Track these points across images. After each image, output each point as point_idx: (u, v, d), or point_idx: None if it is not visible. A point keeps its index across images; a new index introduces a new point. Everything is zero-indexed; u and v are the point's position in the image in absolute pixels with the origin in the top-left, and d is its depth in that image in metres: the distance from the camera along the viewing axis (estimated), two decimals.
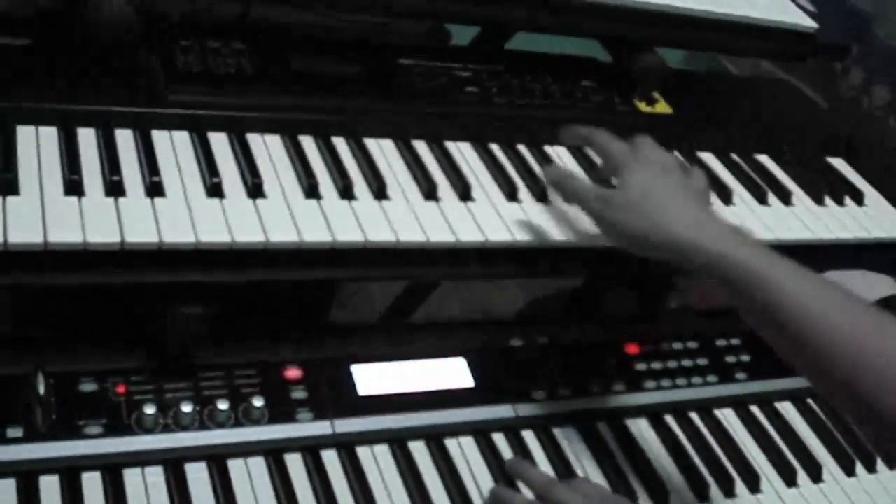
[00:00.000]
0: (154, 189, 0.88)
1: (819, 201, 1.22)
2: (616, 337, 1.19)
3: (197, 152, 0.95)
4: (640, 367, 1.16)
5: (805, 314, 0.82)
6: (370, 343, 1.08)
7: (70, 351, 0.95)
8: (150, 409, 0.90)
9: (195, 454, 0.90)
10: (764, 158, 1.30)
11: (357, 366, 1.03)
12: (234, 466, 0.91)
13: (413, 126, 1.09)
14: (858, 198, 1.26)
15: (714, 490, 1.05)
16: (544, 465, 1.02)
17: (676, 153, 1.23)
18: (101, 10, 0.96)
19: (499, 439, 1.03)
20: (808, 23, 1.33)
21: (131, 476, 0.87)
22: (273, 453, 0.93)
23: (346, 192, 0.96)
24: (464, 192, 1.01)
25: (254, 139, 0.99)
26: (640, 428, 1.10)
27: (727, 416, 1.16)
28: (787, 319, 0.83)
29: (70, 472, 0.86)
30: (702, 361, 1.20)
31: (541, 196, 1.05)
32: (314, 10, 1.23)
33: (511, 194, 1.04)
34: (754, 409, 1.18)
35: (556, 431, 1.06)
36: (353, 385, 1.01)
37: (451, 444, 1.00)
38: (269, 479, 0.91)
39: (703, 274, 0.90)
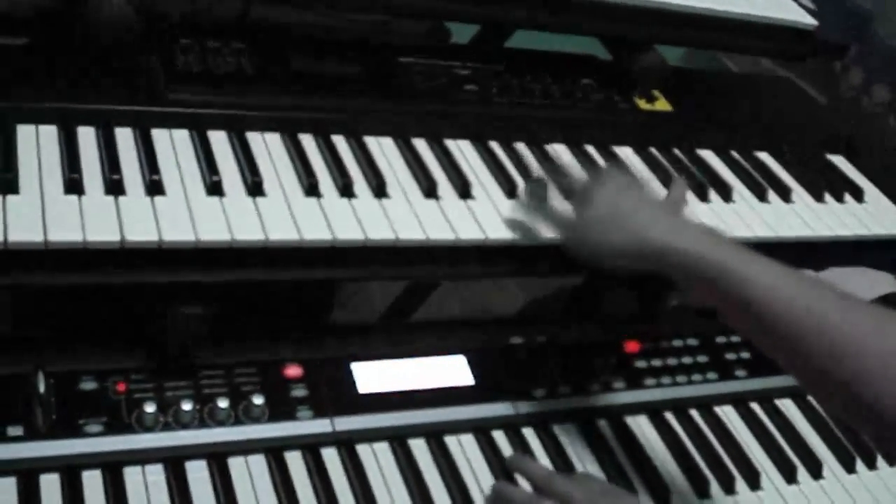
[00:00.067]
0: (154, 188, 0.89)
1: (819, 199, 1.22)
2: (616, 335, 1.19)
3: (197, 151, 0.95)
4: (641, 364, 1.16)
5: (797, 314, 0.81)
6: (370, 341, 1.08)
7: (70, 350, 0.95)
8: (150, 408, 0.91)
9: (195, 452, 0.91)
10: (764, 156, 1.30)
11: (357, 364, 1.03)
12: (235, 464, 0.91)
13: (413, 124, 1.09)
14: (858, 195, 1.26)
15: (714, 487, 1.05)
16: (544, 463, 1.01)
17: (676, 151, 1.23)
18: (101, 9, 0.96)
19: (499, 437, 1.03)
20: (808, 21, 1.33)
21: (132, 474, 0.88)
22: (273, 451, 0.93)
23: (346, 190, 0.96)
24: (463, 191, 1.02)
25: (254, 138, 1.00)
26: (641, 425, 1.10)
27: (727, 414, 1.16)
28: (776, 320, 0.82)
29: (70, 470, 0.86)
30: (702, 359, 1.20)
31: None
32: (314, 10, 1.23)
33: (511, 192, 1.04)
34: (754, 406, 1.18)
35: (556, 429, 1.06)
36: (353, 383, 1.01)
37: (451, 441, 1.01)
38: (270, 477, 0.91)
39: (682, 277, 0.90)
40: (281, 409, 0.96)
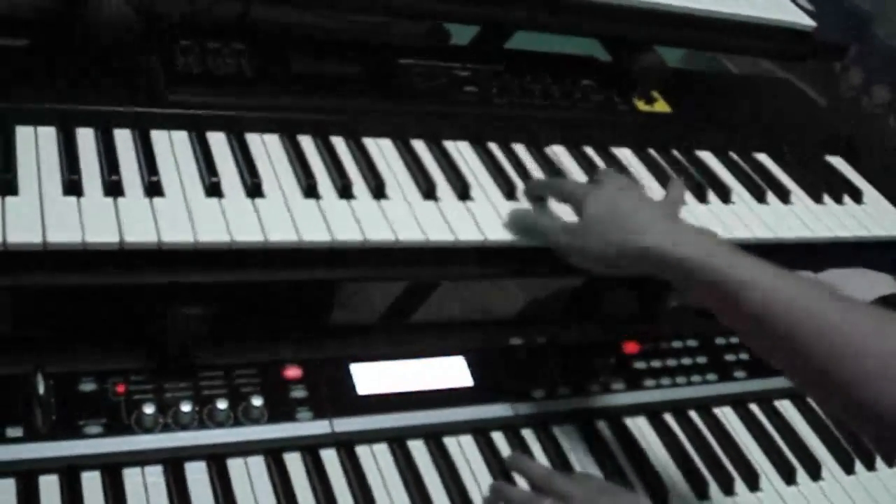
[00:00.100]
0: (153, 189, 0.89)
1: (818, 200, 1.22)
2: (615, 335, 1.19)
3: (196, 152, 0.95)
4: (640, 365, 1.16)
5: (797, 316, 0.81)
6: (369, 342, 1.08)
7: (70, 351, 0.95)
8: (149, 409, 0.91)
9: (195, 453, 0.91)
10: (763, 157, 1.30)
11: (356, 365, 1.03)
12: (234, 466, 0.91)
13: (412, 126, 1.09)
14: (857, 196, 1.26)
15: (713, 489, 1.05)
16: (544, 464, 1.01)
17: (675, 152, 1.23)
18: (100, 10, 0.96)
19: (498, 438, 1.03)
20: (807, 22, 1.33)
21: (131, 475, 0.88)
22: (272, 452, 0.93)
23: (345, 191, 0.96)
24: (463, 192, 1.02)
25: (253, 139, 1.00)
26: (640, 427, 1.10)
27: (726, 415, 1.16)
28: (775, 322, 0.82)
29: (70, 471, 0.86)
30: (701, 360, 1.20)
31: None
32: (314, 11, 1.23)
33: (510, 194, 1.04)
34: (753, 407, 1.18)
35: (556, 430, 1.06)
36: (353, 384, 1.01)
37: (450, 442, 1.01)
38: (269, 478, 0.91)
39: (680, 281, 0.90)
40: (280, 410, 0.96)
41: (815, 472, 1.12)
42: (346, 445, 0.96)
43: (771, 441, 1.14)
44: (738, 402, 1.18)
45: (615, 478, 1.02)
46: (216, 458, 0.91)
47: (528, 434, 1.05)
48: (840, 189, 1.26)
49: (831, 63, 2.19)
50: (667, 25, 1.24)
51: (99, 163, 0.90)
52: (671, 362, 1.18)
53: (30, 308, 1.17)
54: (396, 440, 0.99)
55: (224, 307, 0.94)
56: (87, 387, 0.92)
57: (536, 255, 1.02)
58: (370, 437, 0.98)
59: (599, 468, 1.03)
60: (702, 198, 1.15)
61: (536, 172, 1.10)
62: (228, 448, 0.92)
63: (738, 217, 1.14)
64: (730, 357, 1.22)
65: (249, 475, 0.91)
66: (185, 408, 0.91)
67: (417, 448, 0.99)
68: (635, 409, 1.12)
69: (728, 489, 1.06)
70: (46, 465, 0.86)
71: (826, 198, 1.23)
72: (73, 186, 0.86)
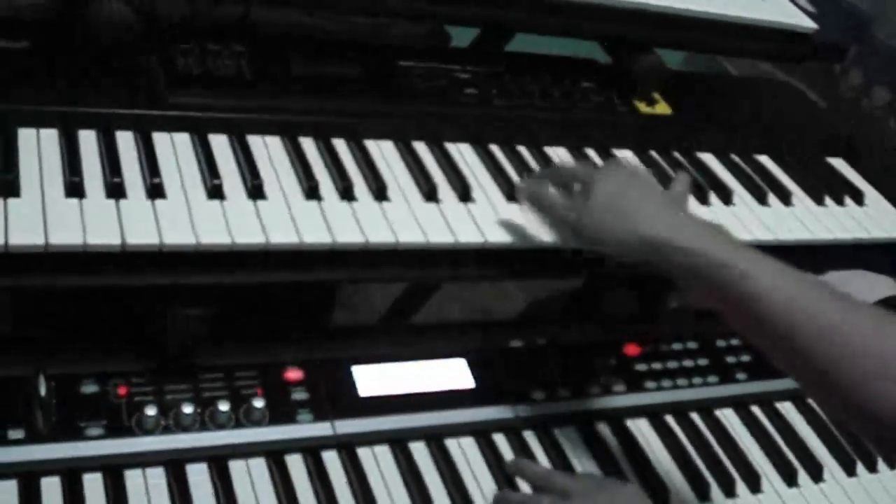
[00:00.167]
0: (155, 191, 0.89)
1: (819, 201, 1.22)
2: (616, 337, 1.19)
3: (197, 154, 0.95)
4: (641, 367, 1.16)
5: (797, 315, 0.81)
6: (371, 344, 1.08)
7: (71, 352, 0.95)
8: (150, 411, 0.91)
9: (196, 455, 0.91)
10: (764, 159, 1.30)
11: (357, 367, 1.03)
12: (235, 467, 0.91)
13: (413, 127, 1.09)
14: (858, 198, 1.27)
15: (715, 490, 1.05)
16: (544, 465, 1.02)
17: (676, 154, 1.23)
18: (101, 12, 0.96)
19: (499, 440, 1.03)
20: (807, 23, 1.33)
21: (132, 477, 0.88)
22: (274, 454, 0.93)
23: (346, 193, 0.96)
24: (463, 193, 1.02)
25: (254, 141, 1.00)
26: (641, 428, 1.11)
27: (728, 417, 1.16)
28: (775, 319, 0.82)
29: (71, 473, 0.86)
30: (702, 362, 1.20)
31: None
32: (314, 13, 1.23)
33: (511, 195, 1.04)
34: (755, 409, 1.18)
35: (557, 432, 1.06)
36: (354, 386, 1.01)
37: (451, 444, 1.01)
38: (270, 480, 0.91)
39: (683, 274, 0.89)
40: (281, 411, 0.96)
41: (816, 473, 1.12)
42: (347, 447, 0.96)
43: (772, 443, 1.14)
44: (740, 404, 1.18)
45: (616, 479, 1.02)
46: (217, 460, 0.91)
47: (528, 436, 1.05)
48: (841, 190, 1.26)
49: (831, 64, 2.19)
50: (666, 27, 1.24)
51: (101, 165, 0.90)
52: (672, 364, 1.18)
53: (31, 309, 1.17)
54: (397, 442, 0.99)
55: (225, 309, 0.94)
56: (89, 388, 0.92)
57: (537, 257, 1.02)
58: (371, 438, 0.98)
59: (600, 470, 1.03)
60: (703, 199, 1.15)
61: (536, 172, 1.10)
62: (230, 450, 0.92)
63: (738, 219, 1.14)
64: (731, 359, 1.22)
65: (251, 477, 0.91)
66: (187, 409, 0.91)
67: (418, 449, 0.99)
68: (636, 411, 1.12)
69: (729, 491, 1.06)
70: (48, 467, 0.86)
71: (827, 199, 1.23)
72: (74, 188, 0.86)
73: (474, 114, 1.14)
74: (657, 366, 1.17)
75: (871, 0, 2.20)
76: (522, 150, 1.14)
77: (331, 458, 0.95)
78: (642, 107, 1.26)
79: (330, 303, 1.52)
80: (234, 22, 1.15)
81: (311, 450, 0.95)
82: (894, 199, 1.30)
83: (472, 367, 1.08)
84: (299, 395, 0.98)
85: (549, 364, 1.11)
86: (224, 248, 0.86)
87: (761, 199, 1.19)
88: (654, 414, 1.12)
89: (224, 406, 0.93)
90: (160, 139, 0.96)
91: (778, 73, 2.11)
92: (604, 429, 1.09)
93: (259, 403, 0.94)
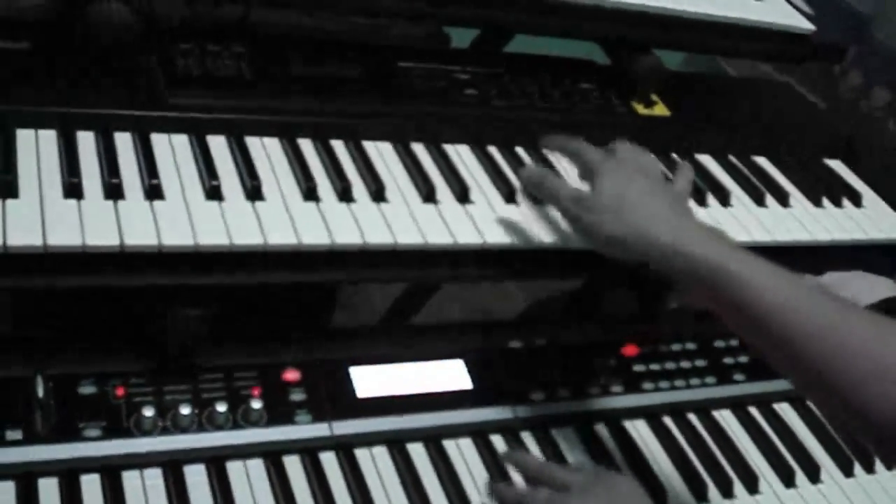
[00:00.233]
0: (153, 192, 0.89)
1: (817, 203, 1.23)
2: (614, 338, 1.19)
3: (196, 155, 0.95)
4: (639, 368, 1.16)
5: (790, 316, 0.81)
6: (369, 345, 1.08)
7: (69, 353, 0.95)
8: (149, 412, 0.91)
9: (194, 456, 0.91)
10: (762, 160, 1.30)
11: (355, 368, 1.03)
12: (233, 468, 0.91)
13: (411, 128, 1.09)
14: (856, 199, 1.27)
15: (713, 491, 1.05)
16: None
17: (674, 155, 1.24)
18: (100, 13, 0.96)
19: (497, 441, 1.03)
20: (806, 25, 1.34)
21: (130, 478, 0.88)
22: (272, 455, 0.93)
23: (345, 194, 0.96)
24: (462, 195, 1.02)
25: (252, 142, 1.00)
26: (639, 429, 1.11)
27: (725, 418, 1.16)
28: (773, 323, 0.82)
29: (69, 474, 0.86)
30: (700, 363, 1.20)
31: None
32: (313, 14, 1.23)
33: (509, 196, 1.04)
34: (753, 410, 1.18)
35: (555, 432, 1.06)
36: (352, 387, 1.01)
37: (449, 445, 1.01)
38: (268, 481, 0.91)
39: (682, 277, 0.90)
40: (279, 412, 0.96)
41: (813, 474, 1.12)
42: (345, 448, 0.96)
43: (770, 444, 1.14)
44: (737, 405, 1.18)
45: (613, 472, 1.02)
46: (215, 461, 0.91)
47: (527, 436, 1.05)
48: (839, 192, 1.26)
49: (830, 65, 2.19)
50: (666, 29, 1.24)
51: (99, 165, 0.90)
52: (670, 365, 1.18)
53: (30, 310, 1.17)
54: (395, 443, 0.99)
55: (224, 310, 0.94)
56: (87, 389, 0.92)
57: (536, 258, 1.02)
58: (369, 439, 0.98)
59: None
60: (701, 201, 1.15)
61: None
62: (228, 451, 0.92)
63: (737, 220, 1.14)
64: (729, 360, 1.22)
65: (249, 478, 0.91)
66: (185, 410, 0.92)
67: (416, 451, 0.99)
68: (634, 412, 1.12)
69: (727, 491, 1.06)
70: (46, 468, 0.86)
71: (825, 201, 1.24)
72: (73, 189, 0.86)
73: (473, 115, 1.14)
74: (655, 366, 1.17)
75: (870, 1, 2.20)
76: (521, 151, 1.14)
77: (328, 459, 0.95)
78: (641, 108, 1.26)
79: (328, 303, 1.53)
80: (234, 22, 1.15)
81: (309, 451, 0.95)
82: (892, 200, 1.30)
83: (471, 367, 1.08)
84: (297, 395, 0.98)
85: (548, 365, 1.12)
86: (222, 249, 0.87)
87: (759, 201, 1.19)
88: (652, 415, 1.13)
89: (222, 407, 0.93)
90: (159, 140, 0.96)
91: (777, 75, 2.11)
92: (602, 429, 1.09)
93: (257, 404, 0.95)
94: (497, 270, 1.02)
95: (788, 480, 1.10)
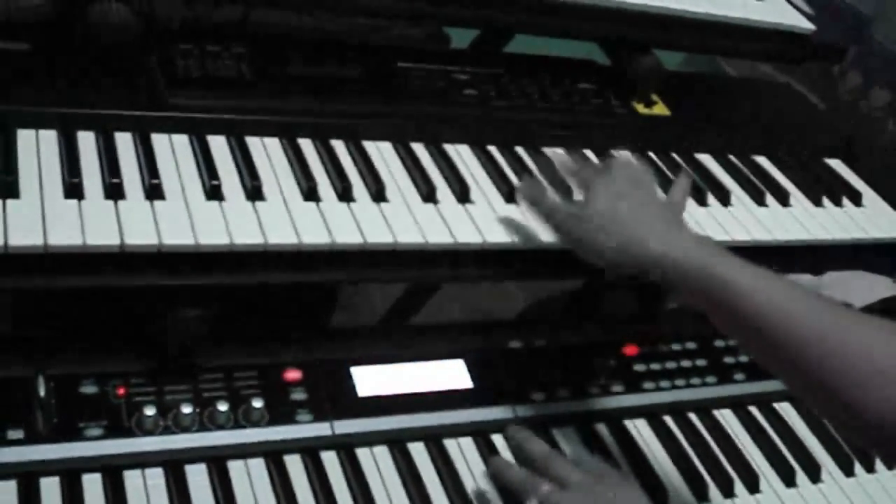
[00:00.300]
0: (153, 192, 0.89)
1: (817, 202, 1.23)
2: (615, 338, 1.19)
3: (196, 155, 0.96)
4: (639, 367, 1.16)
5: (791, 323, 0.82)
6: (370, 344, 1.08)
7: (70, 353, 0.95)
8: (150, 411, 0.91)
9: (195, 456, 0.91)
10: (762, 160, 1.30)
11: (356, 367, 1.03)
12: (234, 468, 0.91)
13: (412, 128, 1.09)
14: (856, 199, 1.27)
15: (713, 491, 1.05)
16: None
17: (674, 155, 1.24)
18: (100, 13, 0.96)
19: (498, 440, 1.03)
20: (805, 25, 1.34)
21: (132, 478, 0.88)
22: (273, 455, 0.93)
23: (345, 194, 0.96)
24: (462, 195, 1.02)
25: (253, 142, 1.00)
26: (639, 429, 1.11)
27: (726, 417, 1.16)
28: (769, 330, 0.83)
29: (70, 473, 0.86)
30: (700, 362, 1.20)
31: None
32: (313, 14, 1.23)
33: (509, 196, 1.04)
34: (753, 409, 1.18)
35: (555, 432, 1.06)
36: (353, 386, 1.01)
37: (450, 444, 1.01)
38: (269, 480, 0.91)
39: (676, 285, 0.91)
40: (280, 412, 0.96)
41: (814, 474, 1.12)
42: (346, 447, 0.96)
43: (770, 443, 1.14)
44: (738, 405, 1.18)
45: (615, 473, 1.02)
46: (217, 461, 0.91)
47: None
48: (839, 191, 1.26)
49: (830, 66, 2.19)
50: (665, 29, 1.24)
51: (100, 166, 0.90)
52: (671, 365, 1.18)
53: (31, 310, 1.17)
54: (396, 442, 0.99)
55: (224, 309, 0.94)
56: (88, 389, 0.92)
57: (536, 258, 1.02)
58: (370, 439, 0.98)
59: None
60: (701, 201, 1.15)
61: (536, 175, 1.10)
62: (229, 450, 0.92)
63: (737, 220, 1.14)
64: (729, 359, 1.22)
65: (250, 477, 0.91)
66: (186, 410, 0.92)
67: (417, 450, 0.99)
68: (635, 412, 1.12)
69: (728, 491, 1.06)
70: (47, 468, 0.86)
71: (825, 200, 1.24)
72: (73, 189, 0.86)
73: (473, 115, 1.14)
74: (656, 366, 1.17)
75: (870, 1, 2.20)
76: (521, 151, 1.14)
77: (330, 459, 0.95)
78: (641, 108, 1.26)
79: (329, 303, 1.53)
80: (234, 23, 1.16)
81: (310, 450, 0.95)
82: (892, 200, 1.30)
83: (471, 367, 1.08)
84: (298, 395, 0.98)
85: (548, 364, 1.12)
86: (223, 249, 0.87)
87: (759, 200, 1.19)
88: (652, 414, 1.13)
89: (223, 406, 0.93)
90: (159, 140, 0.96)
91: (777, 75, 2.11)
92: (602, 429, 1.09)
93: (258, 404, 0.95)
94: (497, 270, 1.02)
95: (789, 480, 1.10)
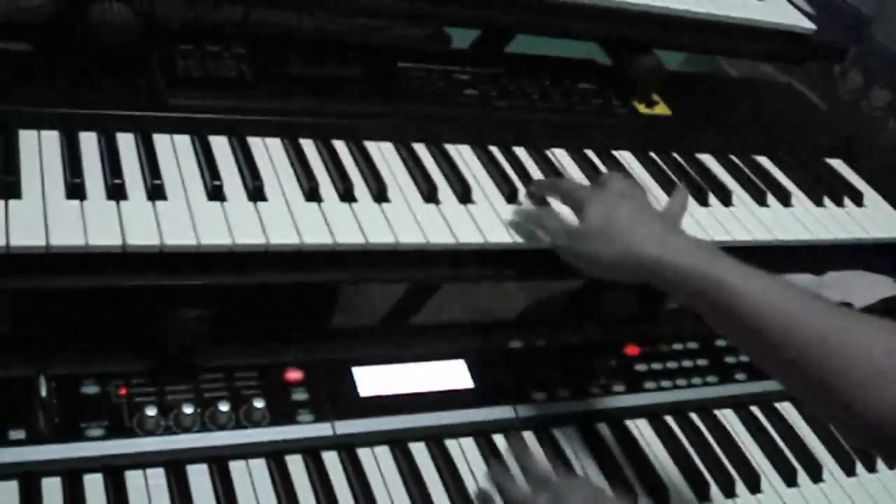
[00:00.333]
0: (155, 192, 0.89)
1: (818, 202, 1.23)
2: (616, 338, 1.19)
3: (198, 156, 0.96)
4: (640, 367, 1.16)
5: (790, 324, 0.82)
6: (371, 345, 1.08)
7: (72, 353, 0.96)
8: (151, 411, 0.91)
9: (196, 456, 0.91)
10: (763, 160, 1.30)
11: (358, 367, 1.03)
12: (236, 468, 0.91)
13: (413, 129, 1.09)
14: (857, 199, 1.27)
15: (714, 490, 1.05)
16: (545, 465, 1.02)
17: (675, 155, 1.24)
18: (101, 14, 0.96)
19: (499, 440, 1.03)
20: (806, 25, 1.34)
21: (133, 478, 0.88)
22: (274, 455, 0.93)
23: (347, 194, 0.96)
24: (463, 195, 1.02)
25: (254, 142, 1.00)
26: (640, 429, 1.11)
27: (727, 417, 1.16)
28: (768, 332, 0.83)
29: (72, 474, 0.86)
30: (701, 362, 1.20)
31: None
32: (313, 14, 1.23)
33: (510, 196, 1.04)
34: (754, 409, 1.18)
35: (556, 432, 1.06)
36: (354, 386, 1.01)
37: (451, 444, 1.01)
38: (271, 480, 0.91)
39: (676, 290, 0.91)
40: (282, 412, 0.96)
41: (815, 473, 1.12)
42: (347, 447, 0.96)
43: (772, 443, 1.14)
44: (739, 404, 1.18)
45: (616, 480, 1.02)
46: (218, 461, 0.91)
47: (528, 436, 1.05)
48: (840, 191, 1.26)
49: (831, 66, 2.19)
50: (666, 29, 1.25)
51: (101, 166, 0.90)
52: (672, 364, 1.18)
53: (32, 310, 1.17)
54: (398, 442, 0.99)
55: (226, 310, 0.94)
56: (90, 389, 0.92)
57: (537, 258, 1.02)
58: (371, 439, 0.98)
59: (600, 470, 1.04)
60: (703, 201, 1.15)
61: (537, 175, 1.10)
62: (230, 450, 0.92)
63: (738, 220, 1.14)
64: (730, 359, 1.22)
65: (251, 477, 0.91)
66: (187, 410, 0.92)
67: (419, 450, 0.99)
68: (636, 412, 1.12)
69: (729, 491, 1.06)
70: (49, 468, 0.86)
71: (826, 200, 1.24)
72: (75, 190, 0.86)
73: (474, 115, 1.14)
74: (657, 366, 1.17)
75: (870, 1, 2.20)
76: (522, 151, 1.14)
77: (331, 459, 0.95)
78: (641, 108, 1.26)
79: (330, 303, 1.53)
80: (235, 24, 1.16)
81: (312, 450, 0.95)
82: (893, 199, 1.30)
83: (472, 367, 1.08)
84: (300, 395, 0.98)
85: (549, 364, 1.12)
86: (224, 249, 0.87)
87: (760, 200, 1.19)
88: (653, 414, 1.13)
89: (224, 406, 0.93)
90: (161, 141, 0.96)
91: (778, 75, 2.11)
92: (603, 429, 1.09)
93: (259, 404, 0.95)
94: (498, 270, 1.02)
95: (790, 479, 1.10)
